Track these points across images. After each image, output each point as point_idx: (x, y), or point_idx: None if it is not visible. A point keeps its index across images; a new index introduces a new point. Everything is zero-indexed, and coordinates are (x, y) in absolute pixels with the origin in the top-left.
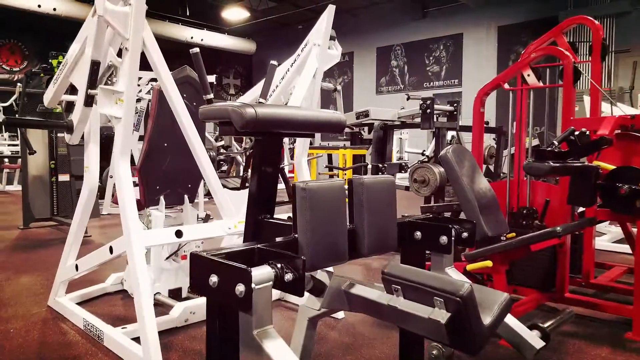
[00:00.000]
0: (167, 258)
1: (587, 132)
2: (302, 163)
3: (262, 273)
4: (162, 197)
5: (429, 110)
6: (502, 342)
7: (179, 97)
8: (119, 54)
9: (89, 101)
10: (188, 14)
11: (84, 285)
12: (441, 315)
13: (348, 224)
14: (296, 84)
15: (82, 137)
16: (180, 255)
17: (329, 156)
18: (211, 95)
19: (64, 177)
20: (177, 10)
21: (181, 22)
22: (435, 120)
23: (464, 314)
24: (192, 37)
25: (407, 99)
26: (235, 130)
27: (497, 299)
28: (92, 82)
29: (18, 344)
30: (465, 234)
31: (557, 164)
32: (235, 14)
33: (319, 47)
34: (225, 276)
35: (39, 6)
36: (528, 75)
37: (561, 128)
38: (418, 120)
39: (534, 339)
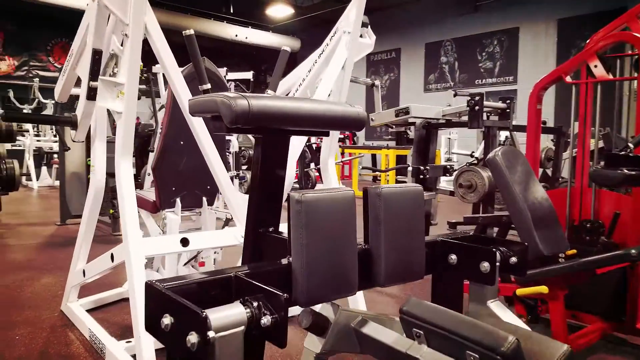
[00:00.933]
0: (185, 263)
1: None
2: (328, 165)
3: (226, 316)
4: (178, 200)
5: (477, 108)
6: None
7: (186, 90)
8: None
9: (92, 94)
10: (232, 11)
11: (100, 290)
12: None
13: (363, 244)
14: (323, 77)
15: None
16: (198, 261)
17: (373, 156)
18: (208, 86)
19: None
20: (221, 8)
21: (226, 20)
22: (485, 118)
23: None
24: (236, 35)
25: (455, 95)
26: (225, 126)
27: (555, 351)
28: (94, 73)
29: (19, 354)
30: (513, 259)
31: (633, 172)
32: (279, 11)
33: (349, 34)
34: (178, 319)
35: (87, 5)
36: (595, 66)
37: (635, 129)
38: (465, 118)
39: None
